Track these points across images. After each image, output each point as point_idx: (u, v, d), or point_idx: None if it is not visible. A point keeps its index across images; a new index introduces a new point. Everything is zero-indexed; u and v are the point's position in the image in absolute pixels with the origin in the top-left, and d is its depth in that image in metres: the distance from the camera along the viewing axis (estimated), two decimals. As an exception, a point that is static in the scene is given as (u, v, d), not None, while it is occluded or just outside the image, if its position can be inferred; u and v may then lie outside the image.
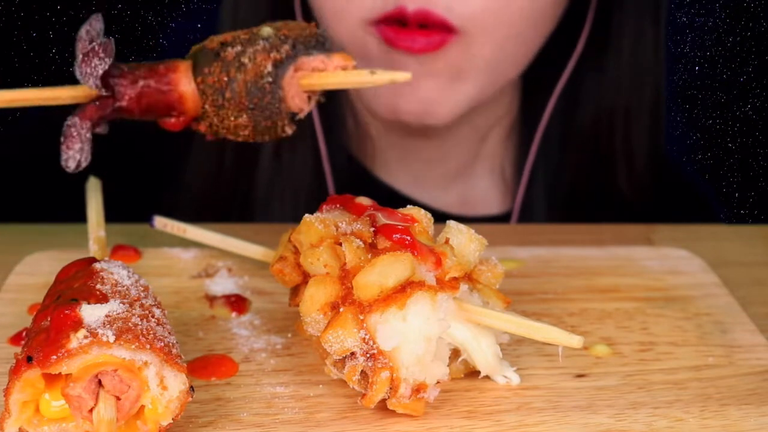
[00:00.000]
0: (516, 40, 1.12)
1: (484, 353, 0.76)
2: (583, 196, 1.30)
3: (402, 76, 0.86)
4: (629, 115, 1.26)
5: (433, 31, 1.07)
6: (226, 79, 0.85)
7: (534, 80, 1.27)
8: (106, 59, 0.82)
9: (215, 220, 1.09)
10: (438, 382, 0.74)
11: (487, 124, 1.27)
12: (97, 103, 0.84)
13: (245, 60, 0.85)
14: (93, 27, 0.84)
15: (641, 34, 1.24)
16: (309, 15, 1.19)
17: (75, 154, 0.84)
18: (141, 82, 0.85)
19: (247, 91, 0.86)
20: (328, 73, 0.87)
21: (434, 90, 1.11)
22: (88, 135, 0.84)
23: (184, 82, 0.86)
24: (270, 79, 0.85)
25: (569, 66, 1.24)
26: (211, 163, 1.28)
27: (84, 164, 0.84)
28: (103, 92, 0.84)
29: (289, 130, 0.88)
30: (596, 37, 1.23)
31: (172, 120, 0.88)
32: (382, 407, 0.73)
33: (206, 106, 0.86)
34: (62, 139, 0.84)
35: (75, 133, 0.84)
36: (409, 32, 1.07)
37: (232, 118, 0.86)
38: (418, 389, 0.73)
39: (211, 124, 0.88)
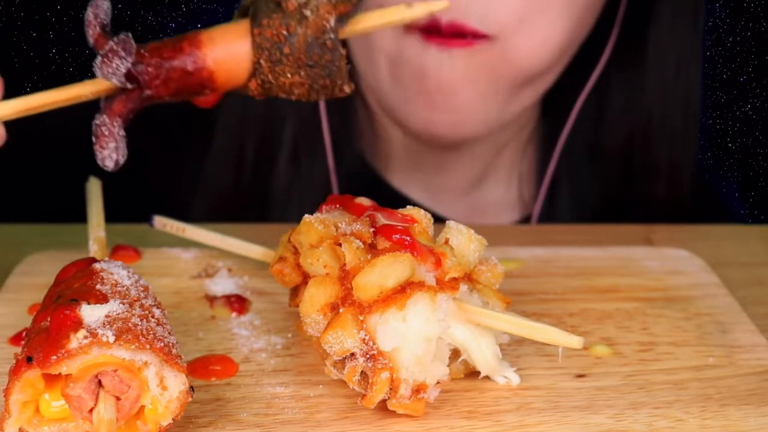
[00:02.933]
0: (552, 46, 1.09)
1: (483, 354, 0.76)
2: (611, 210, 1.26)
3: (438, 4, 0.80)
4: (665, 127, 1.23)
5: (466, 39, 1.06)
6: (285, 33, 0.78)
7: (556, 90, 1.24)
8: (128, 57, 0.77)
9: (231, 221, 1.09)
10: (438, 383, 0.74)
11: (507, 138, 1.26)
12: (124, 96, 0.79)
13: (307, 12, 0.79)
14: (100, 8, 0.79)
15: (678, 36, 1.21)
16: None
17: (111, 153, 0.79)
18: (166, 66, 0.79)
19: (307, 47, 0.79)
20: (365, 15, 0.81)
21: (470, 100, 1.09)
22: (121, 132, 0.79)
23: (210, 57, 0.79)
24: (332, 36, 0.79)
25: (594, 74, 1.21)
26: (230, 167, 1.27)
27: (122, 161, 0.79)
28: (128, 86, 0.78)
29: (347, 89, 0.81)
30: (625, 43, 1.21)
31: (205, 98, 0.82)
32: (382, 407, 0.73)
33: (261, 62, 0.79)
34: (94, 138, 0.79)
35: (107, 132, 0.78)
36: (442, 39, 1.06)
37: (289, 75, 0.79)
38: (418, 390, 0.73)
39: (263, 81, 0.80)
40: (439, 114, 1.10)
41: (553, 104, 1.26)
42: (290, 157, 1.25)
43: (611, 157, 1.26)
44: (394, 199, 1.23)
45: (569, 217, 1.27)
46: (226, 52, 0.79)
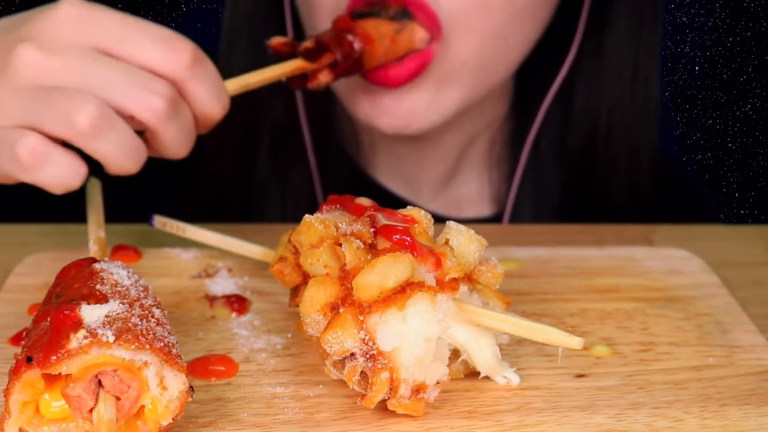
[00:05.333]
0: (502, 45, 1.10)
1: (483, 354, 0.76)
2: (575, 203, 1.29)
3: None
4: (624, 121, 1.25)
5: (406, 59, 1.06)
6: None
7: (527, 84, 1.26)
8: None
9: (214, 221, 1.10)
10: (438, 383, 0.74)
11: (476, 130, 1.27)
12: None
13: None
14: None
15: (636, 37, 1.22)
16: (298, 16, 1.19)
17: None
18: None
19: None
20: None
21: (419, 102, 1.10)
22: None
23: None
24: None
25: (562, 71, 1.22)
26: (210, 165, 1.28)
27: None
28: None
29: None
30: (589, 41, 1.22)
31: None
32: (382, 407, 0.73)
33: None
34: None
35: None
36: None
37: None
38: (418, 390, 0.73)
39: None
40: (383, 116, 1.11)
41: (521, 102, 1.28)
42: (269, 156, 1.26)
43: (575, 156, 1.28)
44: (377, 195, 1.25)
45: (532, 215, 1.28)
46: None
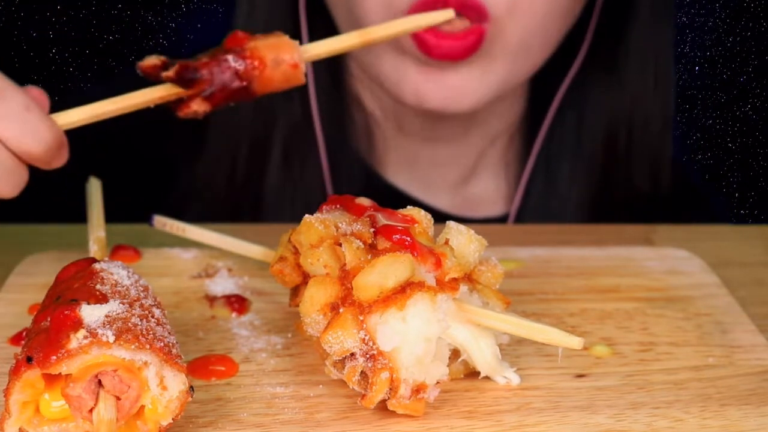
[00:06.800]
0: (542, 28, 1.12)
1: (483, 354, 0.76)
2: (586, 203, 1.29)
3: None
4: (640, 121, 1.25)
5: (467, 32, 1.07)
6: None
7: (541, 82, 1.26)
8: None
9: (224, 222, 1.10)
10: (438, 383, 0.74)
11: (498, 130, 1.27)
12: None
13: None
14: None
15: (651, 37, 1.23)
16: (314, 12, 1.19)
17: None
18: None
19: None
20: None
21: (464, 79, 1.11)
22: None
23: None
24: None
25: (573, 68, 1.23)
26: (223, 169, 1.28)
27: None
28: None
29: None
30: (603, 39, 1.23)
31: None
32: (382, 407, 0.73)
33: None
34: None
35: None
36: (444, 35, 1.07)
37: None
38: (418, 390, 0.73)
39: None
40: (434, 89, 1.11)
41: (537, 103, 1.28)
42: (282, 157, 1.26)
43: (583, 158, 1.29)
44: (390, 195, 1.25)
45: (540, 215, 1.29)
46: None
